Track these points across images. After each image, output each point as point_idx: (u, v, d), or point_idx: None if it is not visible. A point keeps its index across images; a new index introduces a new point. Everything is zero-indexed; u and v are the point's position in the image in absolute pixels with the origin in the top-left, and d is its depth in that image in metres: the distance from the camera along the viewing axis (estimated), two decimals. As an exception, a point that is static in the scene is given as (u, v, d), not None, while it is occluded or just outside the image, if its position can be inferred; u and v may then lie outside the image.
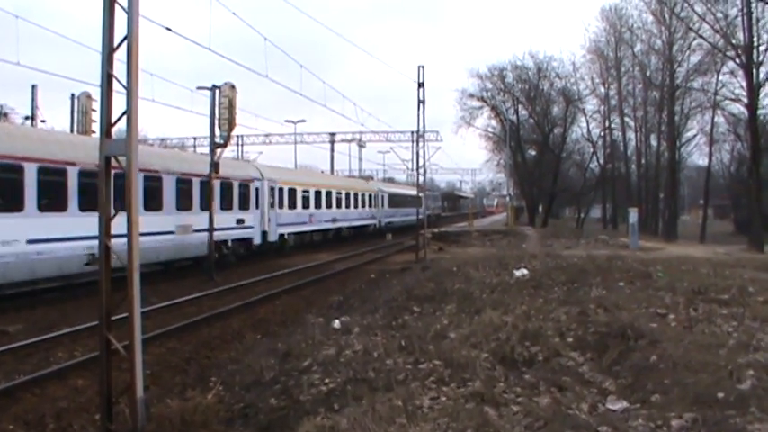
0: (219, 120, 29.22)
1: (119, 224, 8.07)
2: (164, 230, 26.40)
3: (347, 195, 53.48)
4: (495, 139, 79.59)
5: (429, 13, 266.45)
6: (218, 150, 29.76)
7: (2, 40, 41.63)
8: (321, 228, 46.96)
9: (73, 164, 21.82)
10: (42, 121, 41.64)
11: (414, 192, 53.09)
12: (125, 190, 7.94)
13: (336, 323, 14.51)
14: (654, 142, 72.44)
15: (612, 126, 75.70)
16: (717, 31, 49.39)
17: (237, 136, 69.13)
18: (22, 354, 14.48)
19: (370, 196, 60.24)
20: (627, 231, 44.06)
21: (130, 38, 7.92)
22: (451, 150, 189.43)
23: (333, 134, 79.56)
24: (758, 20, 46.91)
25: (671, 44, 61.08)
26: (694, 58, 59.38)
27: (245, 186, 34.62)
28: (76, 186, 21.88)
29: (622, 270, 19.54)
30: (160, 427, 7.75)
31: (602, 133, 76.49)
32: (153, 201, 26.04)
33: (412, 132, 61.22)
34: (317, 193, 46.52)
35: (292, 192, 41.90)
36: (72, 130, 34.85)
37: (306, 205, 44.06)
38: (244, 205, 34.29)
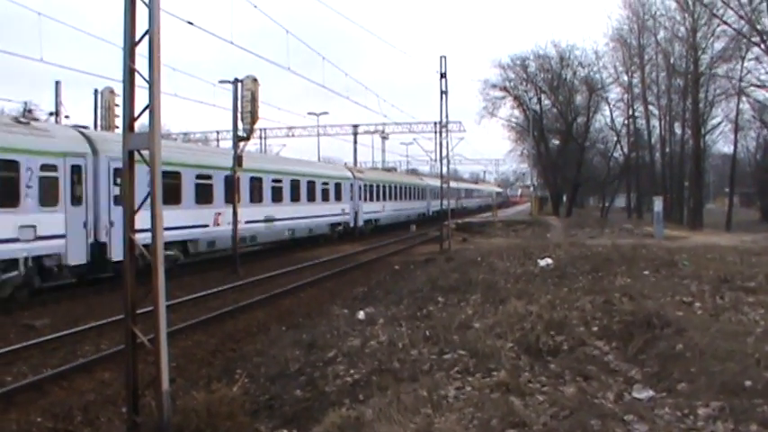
0: (242, 113, 29.28)
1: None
2: (317, 215, 41.32)
3: (407, 189, 65.84)
4: (519, 128, 79.37)
5: (451, 2, 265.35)
6: (241, 144, 29.85)
7: (26, 38, 41.90)
8: (391, 214, 58.52)
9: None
10: (66, 117, 41.84)
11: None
12: (151, 184, 7.97)
13: (361, 314, 14.53)
14: (678, 130, 71.61)
15: (636, 114, 74.99)
16: (741, 17, 48.88)
17: (260, 129, 69.58)
18: (49, 348, 14.63)
19: (421, 189, 71.35)
20: (651, 220, 43.74)
21: (152, 32, 7.95)
22: (475, 141, 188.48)
23: (356, 126, 79.34)
24: (783, 5, 46.40)
25: (695, 31, 60.33)
26: (718, 45, 58.57)
27: (347, 185, 47.81)
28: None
29: (647, 259, 19.44)
30: (186, 419, 7.78)
31: (625, 122, 75.93)
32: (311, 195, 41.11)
33: (435, 123, 61.46)
34: (391, 188, 59.54)
35: (372, 187, 53.86)
36: (95, 126, 35.12)
37: (382, 197, 56.58)
38: (345, 198, 47.10)
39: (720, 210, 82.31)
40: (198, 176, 28.42)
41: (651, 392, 7.52)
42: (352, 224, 48.22)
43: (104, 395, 11.54)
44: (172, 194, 25.34)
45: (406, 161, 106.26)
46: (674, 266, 17.74)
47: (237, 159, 29.17)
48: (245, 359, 13.32)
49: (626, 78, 73.32)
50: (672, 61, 66.04)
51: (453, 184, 75.51)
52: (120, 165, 17.89)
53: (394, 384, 8.38)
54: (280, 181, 36.52)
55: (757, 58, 52.04)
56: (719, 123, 68.21)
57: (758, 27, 47.86)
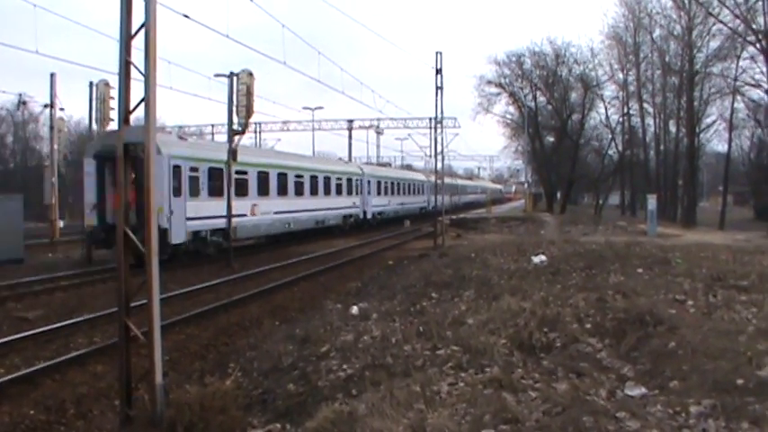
0: (237, 107, 29.18)
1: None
2: (414, 202, 70.11)
3: (452, 187, 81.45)
4: (514, 125, 79.60)
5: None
6: (236, 137, 29.80)
7: (21, 29, 41.78)
8: (445, 203, 76.57)
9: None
10: (61, 110, 41.78)
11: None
12: (144, 176, 7.97)
13: (354, 309, 14.54)
14: (673, 128, 71.68)
15: (631, 112, 74.95)
16: (737, 16, 48.98)
17: (255, 123, 69.26)
18: (42, 340, 14.61)
19: (457, 187, 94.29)
20: (645, 218, 43.80)
21: (148, 25, 7.94)
22: (469, 137, 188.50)
23: (351, 121, 79.03)
24: (779, 5, 46.46)
25: (690, 29, 60.34)
26: (714, 44, 58.67)
27: (426, 184, 71.64)
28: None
29: (641, 256, 19.41)
30: (179, 412, 7.78)
31: (620, 119, 75.81)
32: (408, 191, 69.12)
33: (430, 119, 61.46)
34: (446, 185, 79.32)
35: (437, 185, 72.91)
36: (90, 118, 35.00)
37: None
38: (424, 192, 72.57)
39: (714, 208, 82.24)
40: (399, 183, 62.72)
41: (643, 390, 7.54)
42: (428, 208, 69.57)
43: (97, 388, 11.54)
44: (392, 191, 61.58)
45: (401, 156, 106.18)
46: (667, 264, 17.71)
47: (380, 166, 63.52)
48: (239, 353, 13.33)
49: (621, 76, 73.50)
50: (667, 59, 66.17)
51: (461, 182, 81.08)
52: (371, 178, 57.00)
53: (387, 379, 8.39)
54: (403, 183, 66.18)
55: (752, 58, 52.25)
56: (714, 122, 68.11)
57: (753, 26, 48.01)
